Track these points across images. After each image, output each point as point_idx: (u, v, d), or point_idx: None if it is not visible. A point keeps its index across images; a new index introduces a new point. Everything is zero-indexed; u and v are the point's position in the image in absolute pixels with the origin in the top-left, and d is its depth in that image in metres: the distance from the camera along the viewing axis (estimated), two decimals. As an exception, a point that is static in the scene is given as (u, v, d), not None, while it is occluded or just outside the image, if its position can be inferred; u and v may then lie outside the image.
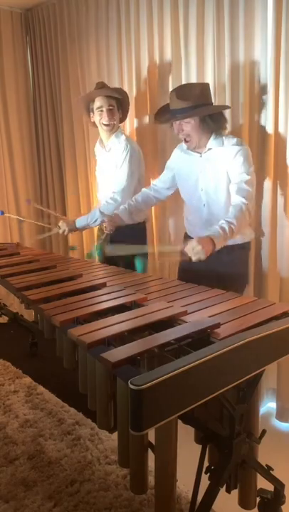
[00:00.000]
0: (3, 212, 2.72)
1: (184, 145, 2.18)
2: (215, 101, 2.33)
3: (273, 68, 2.06)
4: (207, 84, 2.07)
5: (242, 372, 1.18)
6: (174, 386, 1.01)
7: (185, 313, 1.46)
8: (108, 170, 2.60)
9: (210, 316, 1.42)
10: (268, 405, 2.45)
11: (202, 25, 2.34)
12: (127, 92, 2.84)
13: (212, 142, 2.02)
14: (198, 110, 1.95)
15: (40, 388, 2.68)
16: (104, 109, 2.48)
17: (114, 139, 2.55)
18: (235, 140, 2.00)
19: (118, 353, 1.17)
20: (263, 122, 2.22)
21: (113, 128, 2.54)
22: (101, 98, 2.48)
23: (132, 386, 0.96)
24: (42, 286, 1.85)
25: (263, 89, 2.18)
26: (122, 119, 2.62)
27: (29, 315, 3.21)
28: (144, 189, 2.43)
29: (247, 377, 1.20)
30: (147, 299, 1.64)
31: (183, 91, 1.98)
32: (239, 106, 2.27)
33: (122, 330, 1.33)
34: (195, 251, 1.68)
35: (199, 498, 1.36)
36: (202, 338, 1.30)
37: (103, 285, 1.84)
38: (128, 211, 2.33)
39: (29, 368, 2.93)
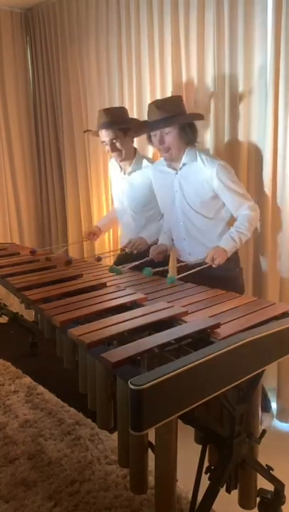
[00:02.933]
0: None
1: (157, 164, 2.24)
2: (215, 106, 2.34)
3: (273, 73, 2.06)
4: (181, 97, 2.14)
5: (242, 372, 1.18)
6: (174, 386, 1.01)
7: (185, 313, 1.46)
8: (129, 193, 2.52)
9: (210, 316, 1.42)
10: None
11: (202, 25, 2.34)
12: (128, 93, 2.85)
13: (186, 157, 2.05)
14: (178, 118, 2.00)
15: (40, 388, 2.68)
16: (107, 142, 2.39)
17: (134, 166, 2.46)
18: (210, 158, 2.03)
19: (118, 353, 1.17)
20: (261, 127, 2.21)
21: (123, 155, 2.41)
22: (102, 131, 2.37)
23: (132, 386, 0.96)
24: (42, 286, 1.85)
25: (263, 95, 2.18)
26: (132, 138, 2.45)
27: (29, 315, 3.20)
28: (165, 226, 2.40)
29: (247, 377, 1.20)
30: (147, 298, 1.64)
31: (162, 102, 2.04)
32: (238, 109, 2.27)
33: (122, 330, 1.33)
34: (215, 262, 1.92)
35: (199, 498, 1.36)
36: (202, 338, 1.30)
37: (103, 285, 1.84)
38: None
39: (29, 368, 2.93)
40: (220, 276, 1.98)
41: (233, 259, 2.08)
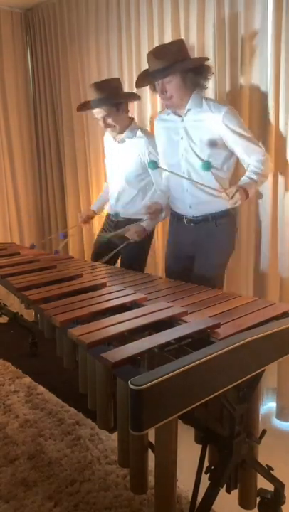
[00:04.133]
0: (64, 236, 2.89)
1: (161, 114, 2.20)
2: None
3: (274, 68, 2.06)
4: (182, 40, 2.05)
5: (242, 372, 1.18)
6: (174, 386, 1.01)
7: (185, 313, 1.46)
8: (120, 161, 2.52)
9: (210, 316, 1.42)
10: (268, 405, 2.45)
11: (202, 25, 2.34)
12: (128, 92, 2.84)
13: (191, 102, 1.99)
14: (177, 66, 1.92)
15: (40, 388, 2.68)
16: (99, 119, 2.40)
17: (128, 133, 2.45)
18: (216, 103, 1.98)
19: (118, 353, 1.17)
20: (264, 119, 2.21)
21: (117, 130, 2.44)
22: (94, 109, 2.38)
23: (132, 386, 0.96)
24: (42, 286, 1.85)
25: (264, 90, 2.18)
26: (126, 109, 2.44)
27: (29, 315, 3.20)
28: (162, 184, 2.34)
29: (247, 377, 1.20)
30: (147, 298, 1.64)
31: (160, 51, 1.96)
32: (240, 106, 2.27)
33: (122, 330, 1.33)
34: (234, 198, 1.82)
35: (199, 498, 1.36)
36: (202, 338, 1.30)
37: (103, 285, 1.84)
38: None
39: (29, 368, 2.92)
40: (215, 233, 2.00)
41: (231, 214, 2.07)
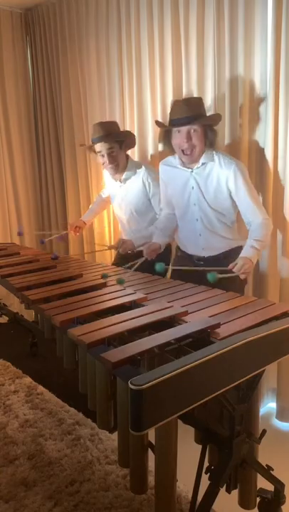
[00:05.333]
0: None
1: (169, 159, 2.19)
2: (215, 110, 2.34)
3: (273, 78, 2.06)
4: (202, 99, 2.11)
5: (242, 372, 1.18)
6: (174, 386, 1.01)
7: (185, 313, 1.46)
8: (131, 198, 2.55)
9: (210, 316, 1.42)
10: (268, 405, 2.45)
11: (202, 25, 2.34)
12: (128, 93, 2.85)
13: (205, 157, 2.04)
14: (210, 116, 2.01)
15: (40, 388, 2.68)
16: (104, 153, 2.43)
17: (128, 173, 2.51)
18: (227, 159, 2.02)
19: (118, 353, 1.17)
20: (262, 133, 2.22)
21: (119, 167, 2.48)
22: (99, 144, 2.43)
23: (132, 386, 0.96)
24: (42, 286, 1.85)
25: (263, 100, 2.18)
26: (130, 148, 2.53)
27: (29, 315, 3.20)
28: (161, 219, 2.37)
29: (247, 377, 1.20)
30: (147, 299, 1.64)
31: (189, 100, 2.03)
32: (237, 115, 2.27)
33: (122, 330, 1.33)
34: (243, 270, 1.82)
35: (199, 498, 1.36)
36: (202, 338, 1.30)
37: (103, 285, 1.84)
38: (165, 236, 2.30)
39: (29, 368, 2.93)
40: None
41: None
